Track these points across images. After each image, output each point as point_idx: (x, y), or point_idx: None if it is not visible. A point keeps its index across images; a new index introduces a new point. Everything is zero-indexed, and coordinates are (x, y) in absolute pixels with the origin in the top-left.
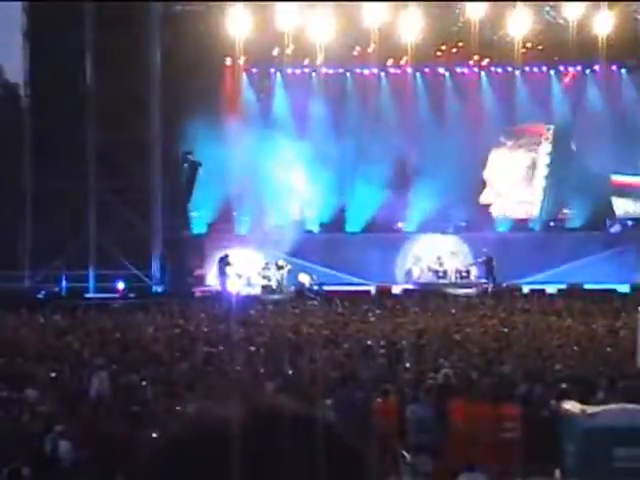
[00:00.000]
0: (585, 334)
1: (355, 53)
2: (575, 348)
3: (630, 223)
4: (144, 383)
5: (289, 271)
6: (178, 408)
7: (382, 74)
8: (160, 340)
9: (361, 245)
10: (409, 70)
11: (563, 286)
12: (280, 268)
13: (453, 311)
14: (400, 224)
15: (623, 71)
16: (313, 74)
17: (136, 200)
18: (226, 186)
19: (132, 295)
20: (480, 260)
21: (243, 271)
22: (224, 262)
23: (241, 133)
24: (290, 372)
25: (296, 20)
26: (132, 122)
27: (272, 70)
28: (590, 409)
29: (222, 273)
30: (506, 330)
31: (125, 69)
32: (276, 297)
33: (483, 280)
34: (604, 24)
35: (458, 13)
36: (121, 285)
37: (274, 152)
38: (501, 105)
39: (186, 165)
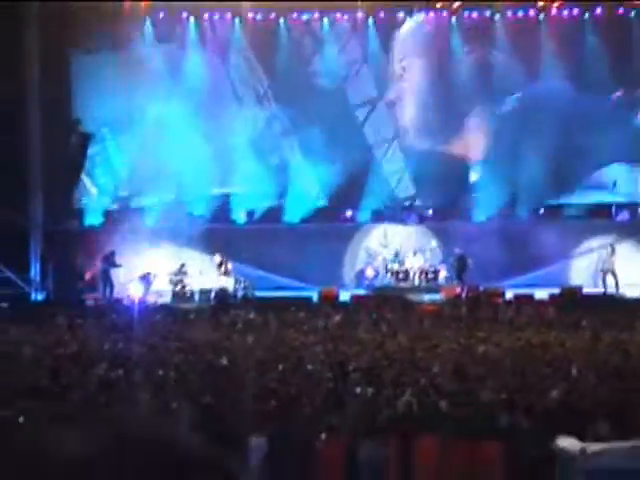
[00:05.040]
0: (584, 351)
1: None
2: (572, 370)
3: None
4: (20, 420)
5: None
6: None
7: (325, 20)
8: (41, 363)
9: (300, 239)
10: (360, 14)
11: (556, 290)
12: (220, 266)
13: (416, 323)
14: (349, 212)
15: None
16: (236, 20)
17: (7, 183)
18: (128, 164)
19: (4, 304)
20: (451, 259)
21: (155, 273)
22: (108, 262)
23: (145, 95)
24: (209, 402)
25: None
26: None
27: (184, 15)
28: (591, 447)
29: (104, 277)
30: (483, 347)
31: None
32: (191, 306)
33: (454, 283)
34: None
35: None
36: None
37: (189, 121)
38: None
39: (74, 138)
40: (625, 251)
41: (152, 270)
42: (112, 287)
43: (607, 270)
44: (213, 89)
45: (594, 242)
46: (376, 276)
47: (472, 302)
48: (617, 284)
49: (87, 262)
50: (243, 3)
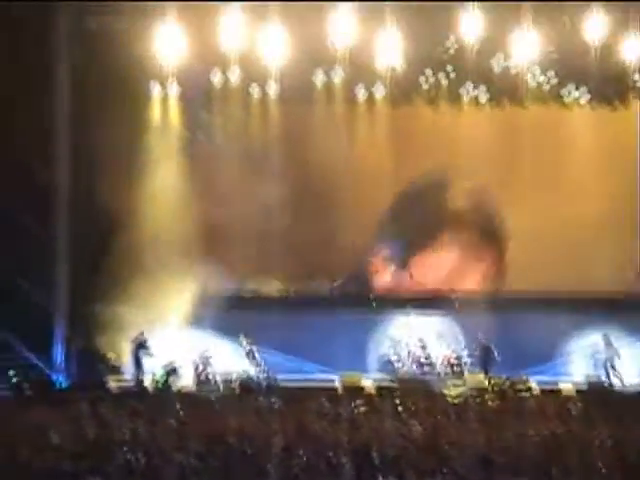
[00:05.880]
0: (609, 448)
1: (317, 80)
2: (598, 465)
3: None
4: None
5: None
6: None
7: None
8: (63, 447)
9: (321, 320)
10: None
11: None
12: (249, 354)
13: (441, 412)
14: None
15: None
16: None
17: (31, 261)
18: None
19: (26, 388)
20: (476, 348)
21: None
22: (141, 348)
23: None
24: None
25: (243, 39)
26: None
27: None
28: None
29: (138, 364)
30: (508, 438)
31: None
32: (214, 392)
33: (479, 372)
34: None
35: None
36: (13, 377)
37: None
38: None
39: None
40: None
41: (176, 357)
42: (143, 372)
43: (608, 362)
44: None
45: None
46: (400, 364)
47: (497, 392)
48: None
49: (111, 343)
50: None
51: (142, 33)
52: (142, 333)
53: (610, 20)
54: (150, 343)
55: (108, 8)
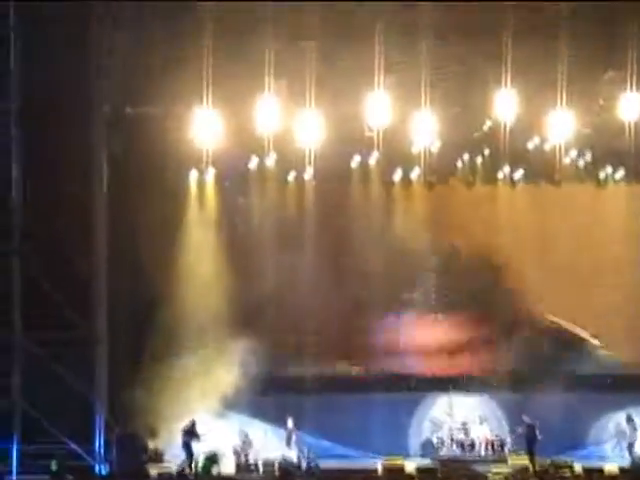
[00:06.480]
0: None
1: (353, 164)
2: None
3: None
4: None
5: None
6: None
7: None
8: None
9: (364, 407)
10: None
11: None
12: (289, 438)
13: None
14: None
15: None
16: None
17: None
18: None
19: (69, 478)
20: (519, 429)
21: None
22: (191, 434)
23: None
24: None
25: (279, 124)
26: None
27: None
28: None
29: (189, 452)
30: None
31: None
32: (255, 478)
33: (522, 453)
34: None
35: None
36: (54, 466)
37: None
38: None
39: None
40: None
41: (217, 442)
42: (193, 459)
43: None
44: None
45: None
46: (442, 446)
47: (540, 474)
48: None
49: (150, 427)
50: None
51: (179, 119)
52: (192, 421)
53: None
54: (200, 430)
55: (146, 97)
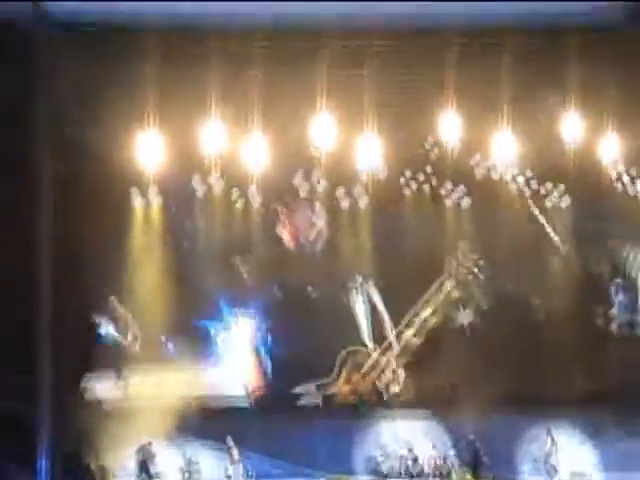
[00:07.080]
0: None
1: (296, 183)
2: None
3: None
4: None
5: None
6: None
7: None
8: None
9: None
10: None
11: None
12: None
13: None
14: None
15: None
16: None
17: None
18: None
19: None
20: (459, 445)
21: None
22: (146, 458)
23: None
24: None
25: (224, 147)
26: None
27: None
28: None
29: (144, 470)
30: None
31: None
32: None
33: (467, 473)
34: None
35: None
36: None
37: None
38: None
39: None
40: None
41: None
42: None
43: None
44: None
45: None
46: (385, 463)
47: None
48: None
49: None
50: None
51: (122, 142)
52: (149, 443)
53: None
54: (155, 452)
55: (89, 118)
